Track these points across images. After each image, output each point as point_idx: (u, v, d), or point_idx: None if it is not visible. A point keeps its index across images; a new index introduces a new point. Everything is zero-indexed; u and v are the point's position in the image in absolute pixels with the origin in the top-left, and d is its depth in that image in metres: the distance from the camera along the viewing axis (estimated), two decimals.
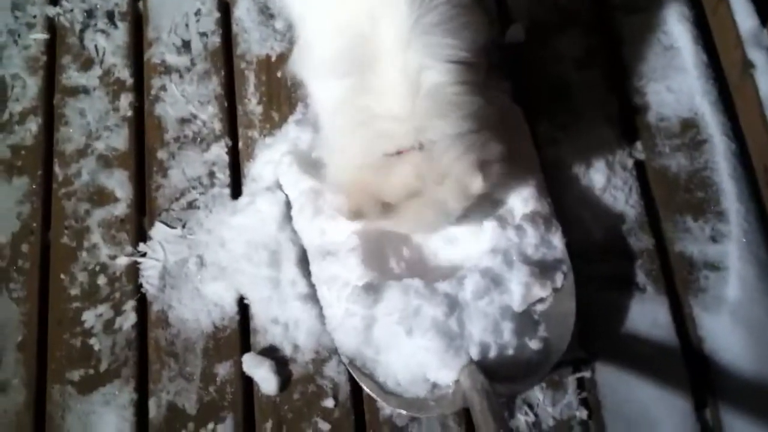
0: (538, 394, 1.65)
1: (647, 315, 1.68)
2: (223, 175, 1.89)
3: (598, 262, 1.71)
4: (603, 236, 1.74)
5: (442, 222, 1.57)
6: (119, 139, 1.96)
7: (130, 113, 1.98)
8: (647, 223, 1.76)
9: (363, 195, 1.47)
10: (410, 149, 1.43)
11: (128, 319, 1.78)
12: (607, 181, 1.78)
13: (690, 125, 1.83)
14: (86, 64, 2.05)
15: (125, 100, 1.99)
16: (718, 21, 1.81)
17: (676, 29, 1.90)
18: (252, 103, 1.96)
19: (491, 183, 1.48)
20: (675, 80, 1.86)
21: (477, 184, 1.46)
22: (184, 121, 1.96)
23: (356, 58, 1.44)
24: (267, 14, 2.05)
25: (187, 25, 2.07)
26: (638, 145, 1.83)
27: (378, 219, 1.52)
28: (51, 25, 2.10)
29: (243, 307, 1.77)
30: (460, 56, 1.44)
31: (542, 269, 1.60)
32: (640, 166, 1.82)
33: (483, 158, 1.46)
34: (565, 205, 1.74)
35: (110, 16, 2.10)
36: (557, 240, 1.65)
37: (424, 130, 1.43)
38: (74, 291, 1.81)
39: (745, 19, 1.70)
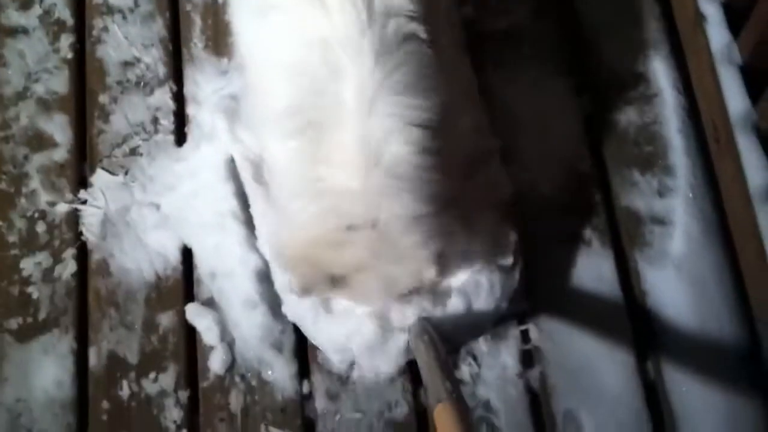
0: (482, 345, 1.64)
1: (592, 269, 1.68)
2: (167, 121, 1.84)
3: (544, 216, 1.70)
4: (549, 189, 1.73)
5: (391, 297, 1.52)
6: (59, 82, 1.89)
7: (70, 55, 1.91)
8: (595, 177, 1.75)
9: (312, 272, 1.39)
10: (364, 226, 1.33)
11: (68, 268, 1.74)
12: (555, 132, 1.76)
13: (641, 79, 1.81)
14: (26, 4, 1.97)
15: (66, 42, 1.92)
16: None
17: None
18: (198, 47, 1.90)
19: (446, 274, 1.44)
20: (628, 34, 1.84)
21: (431, 274, 1.39)
22: (126, 65, 1.89)
23: (313, 117, 1.32)
24: None
25: None
26: (588, 98, 1.81)
27: (327, 293, 1.47)
28: None
29: (187, 256, 1.74)
30: (429, 120, 1.32)
31: None
32: (589, 119, 1.80)
33: (440, 251, 1.37)
34: (513, 156, 1.72)
35: None
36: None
37: (379, 209, 1.31)
38: (12, 238, 1.76)
39: None
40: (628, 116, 1.78)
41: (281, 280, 1.64)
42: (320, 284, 1.41)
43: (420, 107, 1.31)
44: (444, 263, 1.40)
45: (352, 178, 1.30)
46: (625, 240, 1.71)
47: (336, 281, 1.40)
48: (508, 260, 1.59)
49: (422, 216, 1.34)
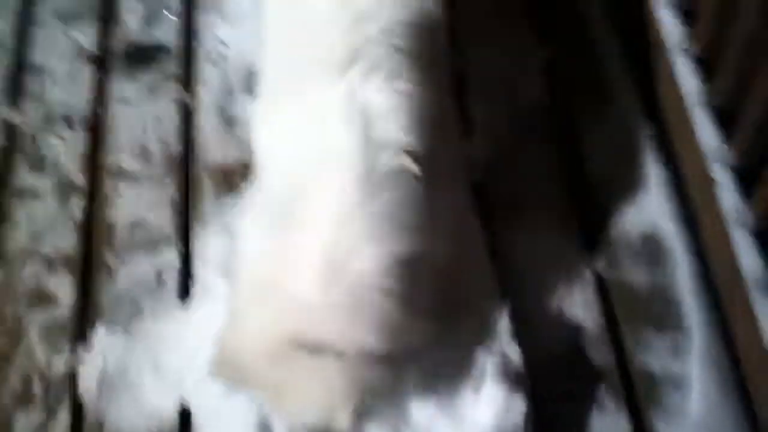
0: None
1: (607, 430, 1.60)
2: (172, 281, 1.82)
3: (555, 376, 1.64)
4: (562, 349, 1.68)
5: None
6: (66, 242, 1.89)
7: (80, 216, 1.93)
8: (608, 337, 1.71)
9: (237, 377, 1.35)
10: (316, 347, 1.24)
11: (61, 428, 1.66)
12: (565, 292, 1.74)
13: (651, 240, 1.81)
14: (39, 167, 2.00)
15: (75, 203, 1.94)
16: (681, 137, 1.82)
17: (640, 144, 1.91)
18: (207, 209, 1.91)
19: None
20: (636, 193, 1.85)
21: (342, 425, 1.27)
22: (134, 225, 1.90)
23: (285, 218, 1.31)
24: (229, 122, 2.04)
25: (146, 132, 2.05)
26: (598, 257, 1.80)
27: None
28: (7, 128, 2.07)
29: (185, 419, 1.67)
30: (407, 251, 1.28)
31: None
32: (599, 278, 1.78)
33: (364, 407, 1.28)
34: (521, 316, 1.68)
35: (68, 120, 2.08)
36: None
37: (329, 331, 1.24)
38: (6, 394, 1.69)
39: (708, 135, 1.70)
40: (639, 276, 1.76)
41: None
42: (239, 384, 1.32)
43: (398, 238, 1.28)
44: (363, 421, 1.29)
45: (310, 290, 1.23)
46: (640, 401, 1.64)
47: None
48: (518, 430, 1.52)
49: (372, 354, 1.24)
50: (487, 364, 1.52)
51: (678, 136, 1.85)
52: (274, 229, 1.32)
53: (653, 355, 1.67)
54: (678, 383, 1.64)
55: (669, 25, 1.87)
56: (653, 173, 1.87)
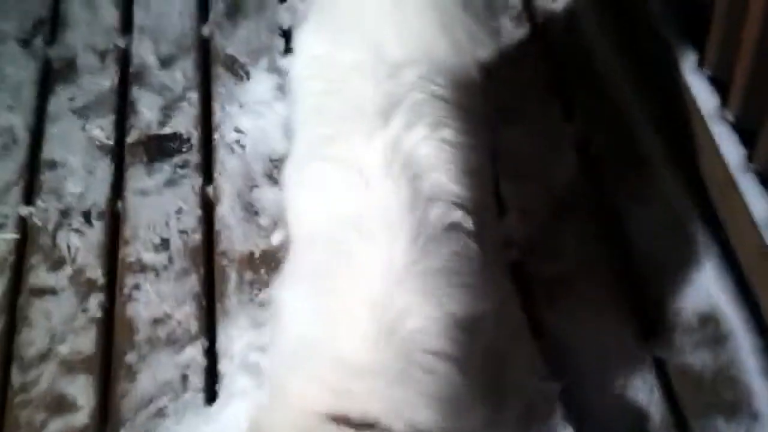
0: None
1: None
2: (197, 379, 1.71)
3: None
4: None
5: None
6: (85, 342, 1.79)
7: (99, 314, 1.83)
8: (674, 426, 1.57)
9: None
10: (362, 421, 1.08)
11: None
12: (624, 379, 1.61)
13: (709, 320, 1.69)
14: (56, 264, 1.91)
15: (95, 301, 1.84)
16: (729, 206, 1.72)
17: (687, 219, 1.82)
18: (232, 302, 1.81)
19: None
20: (688, 272, 1.75)
21: None
22: (157, 322, 1.80)
23: (328, 281, 1.18)
24: (251, 211, 1.96)
25: (167, 224, 1.96)
26: (655, 340, 1.68)
27: None
28: (23, 225, 1.99)
29: None
30: (463, 315, 1.16)
31: None
32: (659, 363, 1.66)
33: None
34: (580, 406, 1.55)
35: (86, 215, 2.00)
36: None
37: (381, 403, 1.09)
38: None
39: (758, 202, 1.61)
40: (701, 360, 1.64)
41: None
42: None
43: (455, 297, 1.15)
44: None
45: (359, 350, 1.10)
46: None
47: None
48: None
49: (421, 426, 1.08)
50: None
51: (726, 206, 1.75)
52: (316, 295, 1.19)
53: None
54: None
55: (703, 92, 1.80)
56: (704, 249, 1.77)
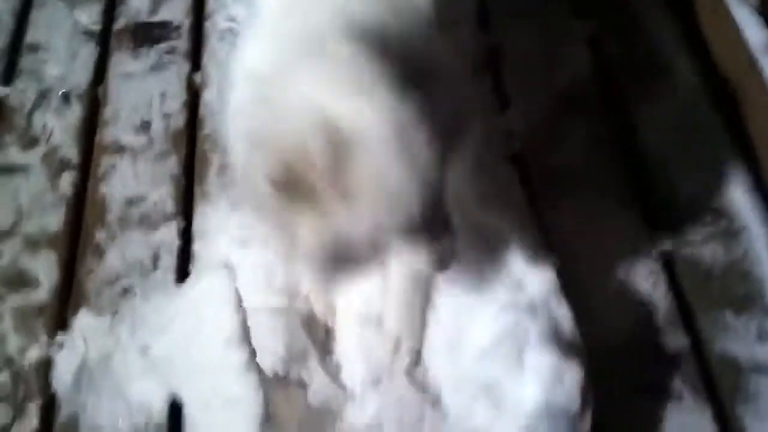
0: None
1: (688, 428, 1.32)
2: (170, 259, 1.59)
3: (624, 366, 1.38)
4: (628, 336, 1.42)
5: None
6: (53, 220, 1.67)
7: (69, 192, 1.71)
8: (680, 321, 1.44)
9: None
10: None
11: (29, 425, 1.42)
12: (629, 273, 1.48)
13: (722, 214, 1.55)
14: (30, 144, 1.80)
15: (67, 179, 1.73)
16: (750, 92, 1.59)
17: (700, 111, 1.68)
18: (213, 186, 1.69)
19: None
20: (702, 167, 1.61)
21: None
22: (131, 201, 1.68)
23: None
24: None
25: (150, 107, 1.84)
26: (663, 233, 1.55)
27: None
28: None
29: (175, 410, 1.41)
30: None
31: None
32: (666, 256, 1.53)
33: None
34: (583, 302, 1.42)
35: (65, 96, 1.88)
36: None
37: None
38: None
39: None
40: (712, 253, 1.50)
41: None
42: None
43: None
44: None
45: None
46: (724, 393, 1.36)
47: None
48: (574, 404, 1.24)
49: None
50: (530, 328, 1.26)
51: (746, 92, 1.61)
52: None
53: (735, 340, 1.41)
54: (766, 371, 1.37)
55: None
56: (718, 143, 1.63)
